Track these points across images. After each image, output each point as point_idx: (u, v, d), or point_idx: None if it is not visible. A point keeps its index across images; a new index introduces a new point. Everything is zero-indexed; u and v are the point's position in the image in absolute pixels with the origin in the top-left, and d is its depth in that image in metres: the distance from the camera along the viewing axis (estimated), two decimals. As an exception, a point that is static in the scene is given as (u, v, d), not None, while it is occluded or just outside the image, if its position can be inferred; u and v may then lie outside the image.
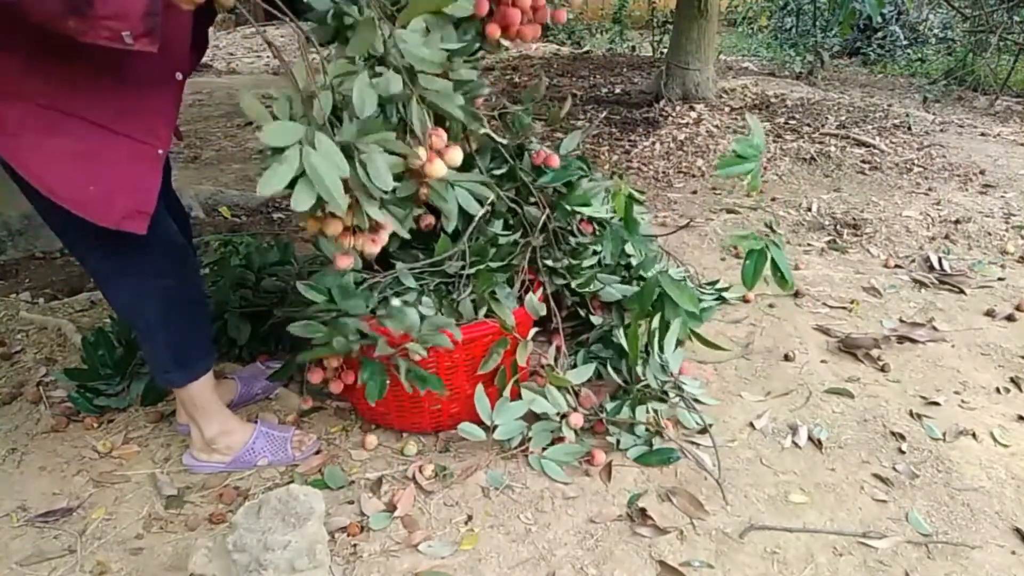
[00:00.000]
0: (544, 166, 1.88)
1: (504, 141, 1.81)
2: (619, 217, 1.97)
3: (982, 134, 4.68)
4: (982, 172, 3.87)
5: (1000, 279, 2.68)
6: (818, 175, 3.87)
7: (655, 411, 1.78)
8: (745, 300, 2.49)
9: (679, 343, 1.93)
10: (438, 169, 1.28)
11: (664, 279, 1.67)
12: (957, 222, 3.17)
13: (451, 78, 1.33)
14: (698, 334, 1.90)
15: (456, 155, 1.32)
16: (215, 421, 1.64)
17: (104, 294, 1.58)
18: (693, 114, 4.64)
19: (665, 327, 1.77)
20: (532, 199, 1.88)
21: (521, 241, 1.84)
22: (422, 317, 1.56)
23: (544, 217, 1.83)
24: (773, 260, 1.64)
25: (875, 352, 2.16)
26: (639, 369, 1.89)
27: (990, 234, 3.07)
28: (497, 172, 1.85)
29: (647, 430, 1.75)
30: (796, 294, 2.54)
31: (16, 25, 1.13)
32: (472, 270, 1.72)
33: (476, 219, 1.71)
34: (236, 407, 1.85)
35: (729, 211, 3.37)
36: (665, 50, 5.92)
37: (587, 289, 1.94)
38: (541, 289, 1.84)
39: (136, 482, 1.65)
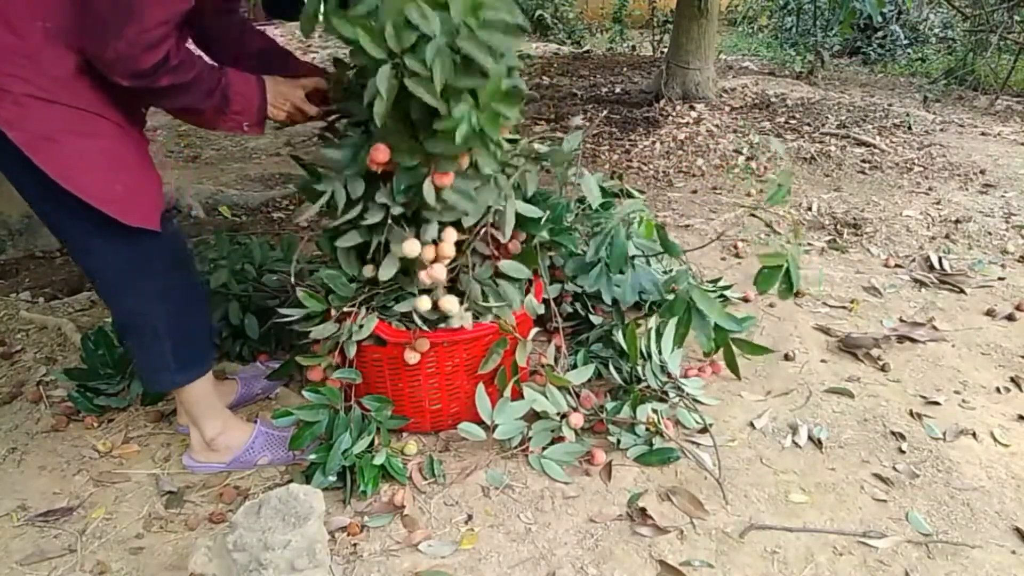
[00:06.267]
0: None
1: None
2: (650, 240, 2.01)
3: (982, 133, 4.68)
4: (982, 171, 3.87)
5: (1000, 279, 2.68)
6: (818, 174, 3.87)
7: (655, 411, 1.78)
8: (745, 299, 2.49)
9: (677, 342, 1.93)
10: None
11: (694, 292, 1.69)
12: (957, 222, 3.17)
13: None
14: (741, 340, 1.90)
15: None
16: (215, 421, 1.64)
17: (108, 299, 1.51)
18: (693, 113, 4.64)
19: (684, 330, 1.76)
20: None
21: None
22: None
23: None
24: (787, 271, 1.65)
25: (875, 352, 2.16)
26: (639, 369, 1.89)
27: (990, 234, 3.07)
28: None
29: (647, 430, 1.75)
30: (796, 294, 2.54)
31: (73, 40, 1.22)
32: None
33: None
34: (236, 407, 1.85)
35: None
36: (665, 50, 5.92)
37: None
38: (541, 289, 1.84)
39: (136, 481, 1.65)
